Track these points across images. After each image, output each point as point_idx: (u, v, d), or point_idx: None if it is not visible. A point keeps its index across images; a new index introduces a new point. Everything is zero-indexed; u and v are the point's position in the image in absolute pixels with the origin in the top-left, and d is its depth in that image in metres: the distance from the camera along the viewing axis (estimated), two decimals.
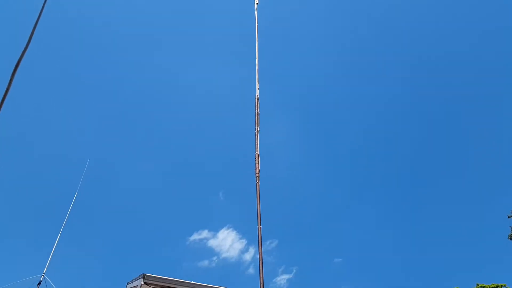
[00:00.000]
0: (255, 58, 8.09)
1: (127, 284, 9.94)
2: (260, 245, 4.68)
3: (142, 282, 7.87)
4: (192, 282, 8.21)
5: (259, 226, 4.90)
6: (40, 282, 11.95)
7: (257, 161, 6.02)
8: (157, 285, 7.92)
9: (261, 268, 4.53)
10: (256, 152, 6.06)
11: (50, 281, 11.97)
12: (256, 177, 5.84)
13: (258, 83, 7.52)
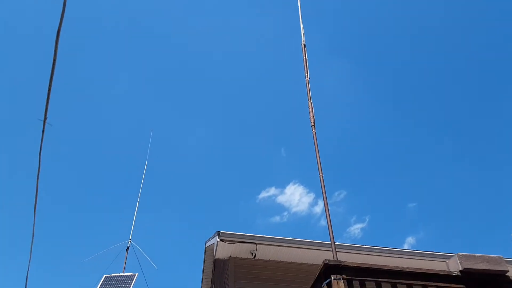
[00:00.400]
0: (297, 2, 7.73)
1: (205, 243, 10.54)
2: (324, 194, 4.65)
3: (218, 239, 8.23)
4: (264, 235, 8.44)
5: (320, 175, 4.88)
6: (128, 247, 13.19)
7: (311, 110, 5.89)
8: (232, 240, 8.26)
9: (328, 215, 4.52)
10: (309, 101, 5.92)
11: (136, 245, 13.20)
12: (312, 126, 5.75)
13: (303, 28, 7.20)
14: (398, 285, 3.63)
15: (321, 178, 4.72)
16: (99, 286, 11.85)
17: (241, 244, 8.27)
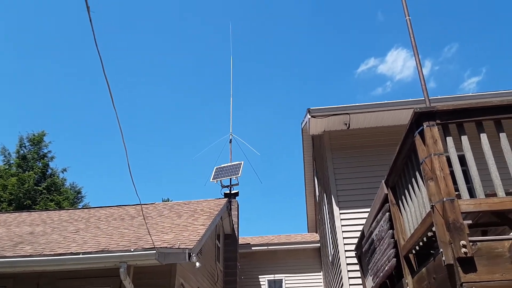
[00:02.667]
0: None
1: (301, 124, 10.69)
2: (411, 35, 4.08)
3: (309, 116, 8.23)
4: (356, 104, 8.17)
5: (407, 18, 4.23)
6: (230, 139, 14.18)
7: None
8: (323, 115, 8.19)
9: (416, 53, 4.00)
10: None
11: (237, 137, 14.10)
12: None
13: None
14: (502, 123, 3.18)
15: (408, 21, 4.10)
16: (212, 175, 13.15)
17: (333, 117, 8.19)
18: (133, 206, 12.12)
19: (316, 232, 15.27)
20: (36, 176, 23.27)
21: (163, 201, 29.05)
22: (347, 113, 8.07)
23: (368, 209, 5.85)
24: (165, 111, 39.89)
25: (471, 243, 2.83)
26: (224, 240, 12.32)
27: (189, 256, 6.46)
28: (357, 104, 8.04)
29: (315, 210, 15.03)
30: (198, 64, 37.08)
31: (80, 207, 24.76)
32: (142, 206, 11.58)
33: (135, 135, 38.78)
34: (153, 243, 6.47)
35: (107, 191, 40.87)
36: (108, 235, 8.96)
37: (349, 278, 7.35)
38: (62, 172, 25.04)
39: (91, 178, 39.10)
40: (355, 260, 7.26)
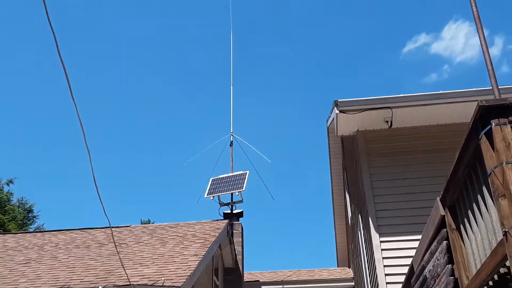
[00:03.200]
0: None
1: (326, 122, 10.70)
2: (473, 5, 4.07)
3: (337, 111, 8.22)
4: (401, 95, 8.17)
5: None
6: (231, 142, 14.30)
7: None
8: (356, 109, 8.18)
9: (480, 30, 3.99)
10: None
11: (240, 138, 14.20)
12: None
13: None
14: None
15: None
16: (207, 189, 13.21)
17: (370, 112, 8.20)
18: (102, 230, 12.21)
19: (349, 267, 15.23)
20: None
21: (142, 223, 29.25)
22: (389, 107, 8.06)
23: (419, 236, 5.82)
24: (141, 103, 40.13)
25: None
26: (224, 276, 12.34)
27: None
28: (402, 95, 8.03)
29: (347, 236, 15.00)
30: (188, 43, 37.26)
31: (31, 230, 25.00)
32: (114, 229, 11.68)
33: (103, 137, 39.07)
34: (128, 279, 6.51)
35: (68, 210, 41.29)
36: (68, 267, 9.04)
37: None
38: (7, 184, 25.32)
39: (46, 193, 39.47)
40: None
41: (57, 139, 41.30)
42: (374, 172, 8.38)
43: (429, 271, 4.93)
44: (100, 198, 3.70)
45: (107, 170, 37.07)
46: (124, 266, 7.35)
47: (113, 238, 6.82)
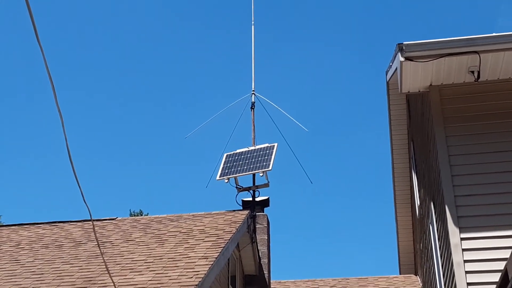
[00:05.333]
0: None
1: (386, 74, 10.60)
2: None
3: (402, 58, 8.15)
4: (493, 34, 8.03)
5: None
6: (253, 104, 14.30)
7: None
8: (429, 55, 8.10)
9: None
10: None
11: (265, 98, 14.18)
12: None
13: None
14: None
15: None
16: (221, 168, 13.26)
17: (449, 59, 8.16)
18: (79, 224, 12.38)
19: (416, 274, 15.30)
20: None
21: (132, 215, 29.64)
22: (476, 51, 7.97)
23: None
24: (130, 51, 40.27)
25: None
26: (243, 286, 12.45)
27: None
28: (496, 35, 7.92)
29: (413, 233, 14.99)
30: None
31: None
32: (95, 223, 11.80)
33: (80, 101, 39.42)
34: None
35: (35, 200, 41.98)
36: (34, 274, 9.20)
37: None
38: None
39: (4, 179, 40.14)
40: None
41: (19, 101, 41.87)
42: (453, 143, 8.35)
43: None
44: (76, 177, 3.69)
45: (83, 141, 37.54)
46: (110, 272, 7.43)
47: (95, 234, 6.84)
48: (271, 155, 12.99)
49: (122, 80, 41.03)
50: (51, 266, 9.47)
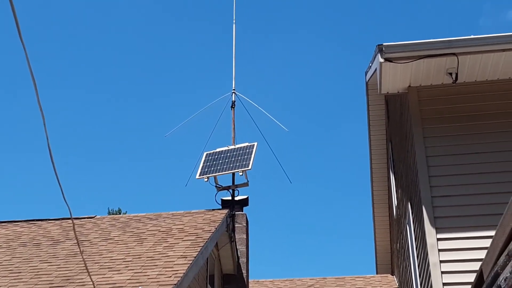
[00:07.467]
0: None
1: (365, 75, 10.64)
2: None
3: (381, 59, 8.18)
4: (471, 37, 8.10)
5: None
6: (233, 103, 14.27)
7: None
8: (408, 57, 8.14)
9: None
10: None
11: (245, 97, 14.18)
12: None
13: None
14: None
15: None
16: (200, 167, 13.24)
17: (427, 60, 8.21)
18: (57, 222, 12.30)
19: (392, 274, 15.37)
20: None
21: (110, 213, 29.47)
22: (454, 53, 8.03)
23: (491, 232, 5.80)
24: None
25: None
26: (222, 285, 12.44)
27: None
28: (473, 37, 7.98)
29: (390, 233, 15.05)
30: None
31: None
32: (75, 221, 11.75)
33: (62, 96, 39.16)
34: (94, 287, 6.56)
35: (11, 197, 41.63)
36: (12, 273, 9.15)
37: None
38: None
39: None
40: None
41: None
42: (431, 144, 8.40)
43: (504, 280, 4.91)
44: (57, 176, 3.68)
45: (60, 138, 37.29)
46: (89, 271, 7.41)
47: (75, 233, 6.82)
48: (251, 154, 13.00)
49: (100, 76, 40.75)
50: (28, 265, 9.41)
